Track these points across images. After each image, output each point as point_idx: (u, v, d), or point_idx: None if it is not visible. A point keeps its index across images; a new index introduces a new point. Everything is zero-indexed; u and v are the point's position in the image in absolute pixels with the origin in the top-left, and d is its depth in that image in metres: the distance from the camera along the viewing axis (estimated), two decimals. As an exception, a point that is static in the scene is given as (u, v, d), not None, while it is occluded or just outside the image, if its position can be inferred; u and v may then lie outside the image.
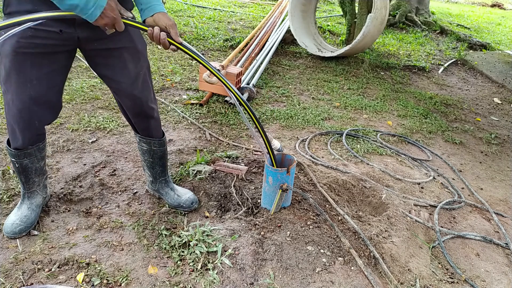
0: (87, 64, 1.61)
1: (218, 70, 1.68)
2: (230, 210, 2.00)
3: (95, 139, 2.59)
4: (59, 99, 1.61)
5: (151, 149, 1.88)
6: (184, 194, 1.99)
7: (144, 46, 1.69)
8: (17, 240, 1.69)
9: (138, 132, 1.86)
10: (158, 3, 1.47)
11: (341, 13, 7.13)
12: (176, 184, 2.12)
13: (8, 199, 1.93)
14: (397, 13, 7.96)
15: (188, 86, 3.76)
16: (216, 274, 1.58)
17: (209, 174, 2.21)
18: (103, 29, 1.41)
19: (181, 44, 1.46)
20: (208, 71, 3.34)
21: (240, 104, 1.67)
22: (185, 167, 2.30)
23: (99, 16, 1.29)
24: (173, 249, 1.71)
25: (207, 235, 1.76)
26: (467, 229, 2.18)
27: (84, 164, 2.28)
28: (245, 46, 4.73)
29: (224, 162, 2.37)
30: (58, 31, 1.42)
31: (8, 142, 1.67)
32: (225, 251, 1.68)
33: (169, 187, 2.01)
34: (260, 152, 2.63)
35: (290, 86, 4.15)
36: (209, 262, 1.63)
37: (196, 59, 1.54)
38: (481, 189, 2.65)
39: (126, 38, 1.58)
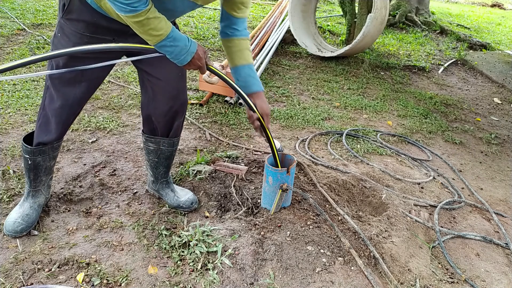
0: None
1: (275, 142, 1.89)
2: (230, 210, 2.00)
3: (95, 139, 2.59)
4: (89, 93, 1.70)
5: (159, 148, 1.86)
6: (184, 194, 1.99)
7: None
8: (17, 240, 1.69)
9: (154, 133, 1.84)
10: (256, 82, 1.70)
11: (341, 13, 7.13)
12: (176, 184, 2.12)
13: (8, 199, 1.93)
14: (397, 13, 7.96)
15: (188, 86, 3.76)
16: (216, 274, 1.58)
17: (209, 174, 2.21)
18: None
19: (268, 129, 1.75)
20: (208, 72, 3.34)
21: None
22: (185, 167, 2.30)
23: (188, 62, 1.43)
24: (173, 249, 1.71)
25: (207, 235, 1.76)
26: (467, 229, 2.18)
27: (84, 164, 2.28)
28: (245, 46, 4.72)
29: (224, 162, 2.37)
30: (111, 39, 1.50)
31: (25, 139, 1.71)
32: (225, 251, 1.68)
33: (169, 188, 2.01)
34: (260, 152, 2.64)
35: (290, 86, 4.15)
36: (209, 262, 1.63)
37: (270, 143, 1.79)
38: (481, 189, 2.65)
39: None
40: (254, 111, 1.68)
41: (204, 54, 1.48)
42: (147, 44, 1.41)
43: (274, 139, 2.01)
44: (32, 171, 1.74)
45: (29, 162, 1.71)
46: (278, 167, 1.86)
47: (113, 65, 1.65)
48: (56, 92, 1.57)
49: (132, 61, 1.69)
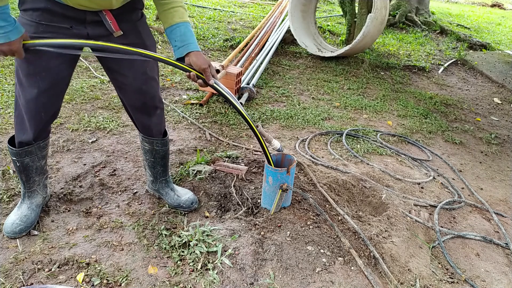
0: (94, 61, 1.67)
1: (257, 125, 1.77)
2: (230, 210, 2.00)
3: (95, 139, 2.59)
4: (63, 94, 1.65)
5: (153, 148, 1.88)
6: (184, 194, 2.00)
7: (153, 43, 1.71)
8: (17, 240, 1.69)
9: (139, 130, 1.87)
10: (192, 41, 1.56)
11: (341, 13, 7.13)
12: (176, 184, 2.12)
13: (8, 199, 1.93)
14: (397, 13, 7.96)
15: (188, 86, 3.76)
16: (216, 274, 1.58)
17: (209, 174, 2.21)
18: (111, 31, 1.51)
19: (215, 83, 1.59)
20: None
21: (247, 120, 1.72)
22: (185, 167, 2.30)
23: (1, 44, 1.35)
24: (173, 249, 1.71)
25: (207, 235, 1.76)
26: (467, 229, 2.18)
27: (84, 164, 2.28)
28: (245, 46, 4.73)
29: (224, 162, 2.37)
30: (68, 27, 1.46)
31: (10, 142, 1.69)
32: (225, 251, 1.68)
33: (169, 187, 2.01)
34: (260, 152, 2.63)
35: (290, 86, 4.15)
36: (209, 262, 1.63)
37: (226, 99, 1.63)
38: (481, 189, 2.65)
39: (135, 35, 1.61)
40: (185, 71, 1.56)
41: (19, 49, 1.38)
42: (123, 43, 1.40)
43: (274, 139, 2.01)
44: (23, 172, 1.73)
45: (18, 164, 1.70)
46: (269, 160, 1.84)
47: (78, 59, 1.63)
48: (22, 86, 1.54)
49: (100, 61, 1.67)
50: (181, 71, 3.96)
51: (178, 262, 1.65)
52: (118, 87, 1.71)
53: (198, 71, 1.55)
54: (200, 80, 1.56)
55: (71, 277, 1.54)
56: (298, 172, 2.35)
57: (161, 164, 1.95)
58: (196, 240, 1.72)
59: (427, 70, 5.39)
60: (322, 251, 1.72)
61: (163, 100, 3.32)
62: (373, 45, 6.07)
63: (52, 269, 1.56)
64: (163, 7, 1.53)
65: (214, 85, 1.58)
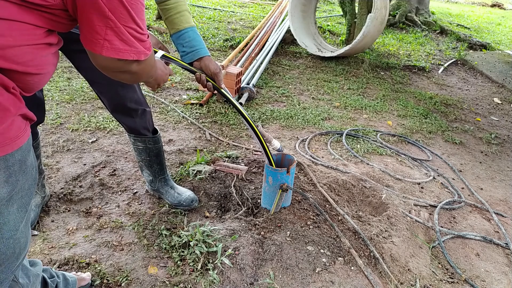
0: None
1: (257, 125, 1.76)
2: (230, 210, 2.00)
3: (95, 139, 2.59)
4: (39, 93, 1.61)
5: (147, 146, 1.87)
6: (184, 192, 2.00)
7: None
8: (17, 240, 1.69)
9: (127, 131, 1.86)
10: (202, 46, 1.56)
11: (341, 13, 7.13)
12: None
13: (8, 199, 1.93)
14: (397, 13, 7.96)
15: (188, 86, 3.76)
16: (216, 274, 1.58)
17: (209, 174, 2.21)
18: None
19: (223, 89, 1.61)
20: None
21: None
22: (185, 167, 2.30)
23: None
24: (173, 249, 1.71)
25: (207, 235, 1.76)
26: (467, 229, 2.18)
27: (84, 164, 2.28)
28: (245, 46, 4.73)
29: (224, 162, 2.37)
30: None
31: None
32: (225, 251, 1.68)
33: (168, 186, 2.01)
34: (260, 152, 2.64)
35: (290, 86, 4.15)
36: (209, 262, 1.63)
37: (232, 103, 1.66)
38: (481, 189, 2.65)
39: None
40: (193, 72, 1.57)
41: None
42: None
43: (274, 139, 2.01)
44: None
45: None
46: (270, 161, 1.84)
47: None
48: None
49: (79, 72, 1.65)
50: (182, 71, 3.92)
51: (178, 262, 1.65)
52: (97, 92, 1.70)
53: (209, 75, 1.56)
54: (209, 84, 1.57)
55: (71, 277, 1.54)
56: (298, 172, 2.35)
57: (157, 162, 1.94)
58: (196, 240, 1.72)
59: (427, 70, 5.39)
60: (322, 251, 1.72)
61: (163, 100, 3.32)
62: (373, 45, 6.07)
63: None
64: (169, 13, 1.52)
65: (222, 90, 1.60)
